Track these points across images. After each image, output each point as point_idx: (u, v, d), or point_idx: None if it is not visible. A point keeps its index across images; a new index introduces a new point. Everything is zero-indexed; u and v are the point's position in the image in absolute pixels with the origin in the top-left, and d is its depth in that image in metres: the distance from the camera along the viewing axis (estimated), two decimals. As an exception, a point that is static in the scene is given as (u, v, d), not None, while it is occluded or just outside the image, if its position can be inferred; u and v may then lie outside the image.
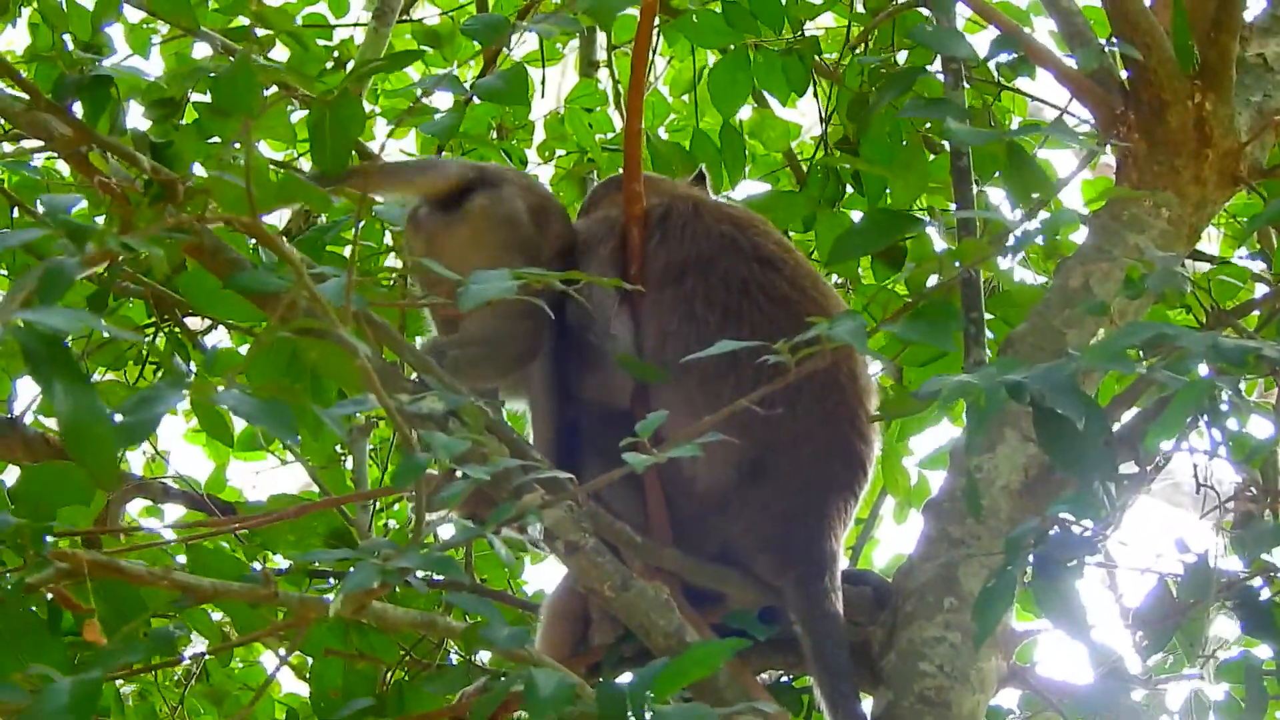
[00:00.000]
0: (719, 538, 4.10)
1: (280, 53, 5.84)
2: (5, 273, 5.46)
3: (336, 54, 6.42)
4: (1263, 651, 4.13)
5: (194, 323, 5.56)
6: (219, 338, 5.85)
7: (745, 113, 6.13)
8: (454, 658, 4.68)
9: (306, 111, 5.63)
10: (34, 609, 3.39)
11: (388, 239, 5.65)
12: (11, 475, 4.30)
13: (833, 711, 3.82)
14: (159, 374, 5.63)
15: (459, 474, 3.03)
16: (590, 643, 4.29)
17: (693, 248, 4.20)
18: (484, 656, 4.62)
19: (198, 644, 4.85)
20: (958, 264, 3.51)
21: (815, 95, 5.79)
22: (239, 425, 5.27)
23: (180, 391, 2.64)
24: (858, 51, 5.48)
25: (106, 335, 5.46)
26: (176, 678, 5.46)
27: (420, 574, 2.93)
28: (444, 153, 5.77)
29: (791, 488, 4.06)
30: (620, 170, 4.36)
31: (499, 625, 3.02)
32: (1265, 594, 3.50)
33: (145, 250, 2.70)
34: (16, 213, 4.85)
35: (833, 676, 3.85)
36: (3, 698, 2.85)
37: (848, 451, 4.12)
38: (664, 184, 4.62)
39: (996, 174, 5.10)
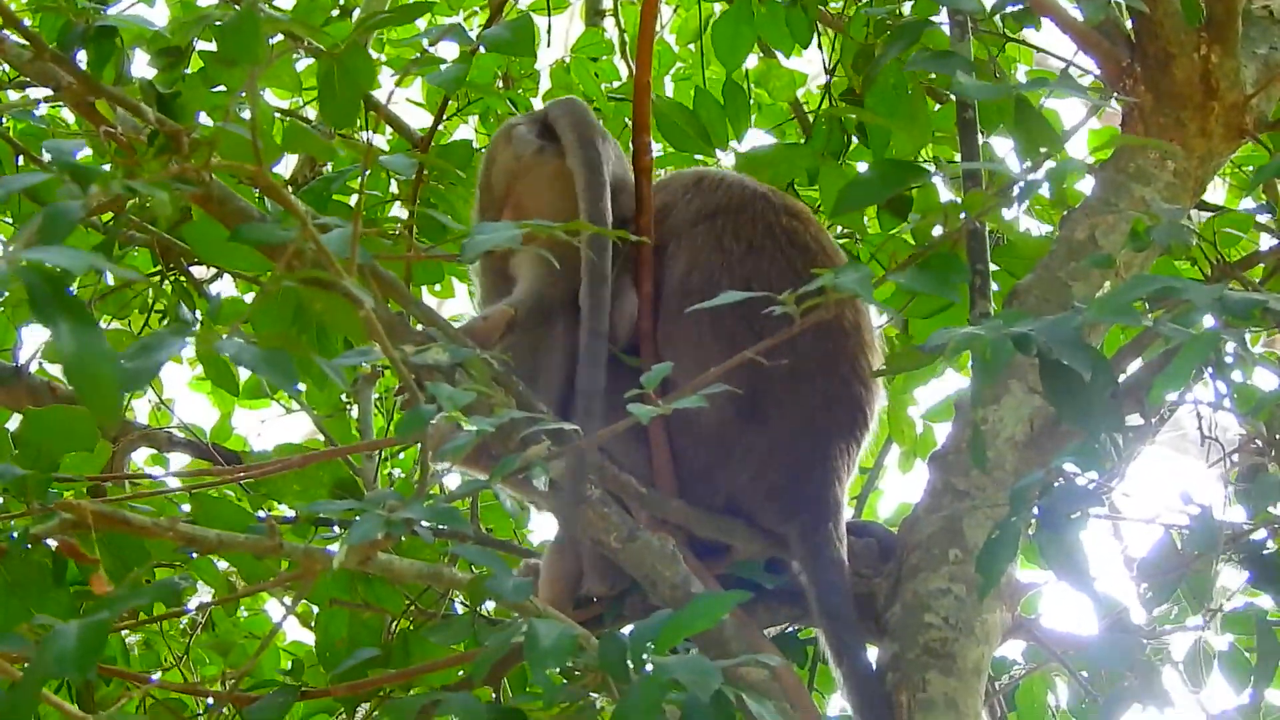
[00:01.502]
0: (724, 487, 4.10)
1: (285, 1, 5.82)
2: (10, 220, 5.46)
3: (342, 2, 6.40)
4: (1265, 602, 4.14)
5: (200, 271, 5.56)
6: (225, 286, 5.86)
7: (751, 62, 6.12)
8: (459, 607, 4.68)
9: (313, 60, 5.61)
10: (38, 559, 3.40)
11: (394, 188, 5.63)
12: (16, 423, 4.30)
13: (838, 661, 3.83)
14: (164, 322, 5.63)
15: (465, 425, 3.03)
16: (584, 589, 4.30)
17: (726, 197, 4.28)
18: (490, 605, 4.63)
19: (203, 593, 4.86)
20: (964, 215, 3.51)
21: (820, 45, 5.77)
22: (244, 374, 5.27)
23: (183, 339, 2.64)
24: (862, 2, 5.45)
25: (112, 282, 5.46)
26: (182, 627, 5.47)
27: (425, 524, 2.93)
28: (450, 102, 5.73)
29: (792, 431, 4.07)
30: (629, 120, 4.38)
31: (504, 577, 3.01)
32: (1270, 546, 3.50)
33: (149, 195, 2.69)
34: (21, 160, 4.84)
35: (837, 625, 3.86)
36: (8, 647, 2.85)
37: (848, 396, 4.12)
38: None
39: (1000, 125, 5.07)
